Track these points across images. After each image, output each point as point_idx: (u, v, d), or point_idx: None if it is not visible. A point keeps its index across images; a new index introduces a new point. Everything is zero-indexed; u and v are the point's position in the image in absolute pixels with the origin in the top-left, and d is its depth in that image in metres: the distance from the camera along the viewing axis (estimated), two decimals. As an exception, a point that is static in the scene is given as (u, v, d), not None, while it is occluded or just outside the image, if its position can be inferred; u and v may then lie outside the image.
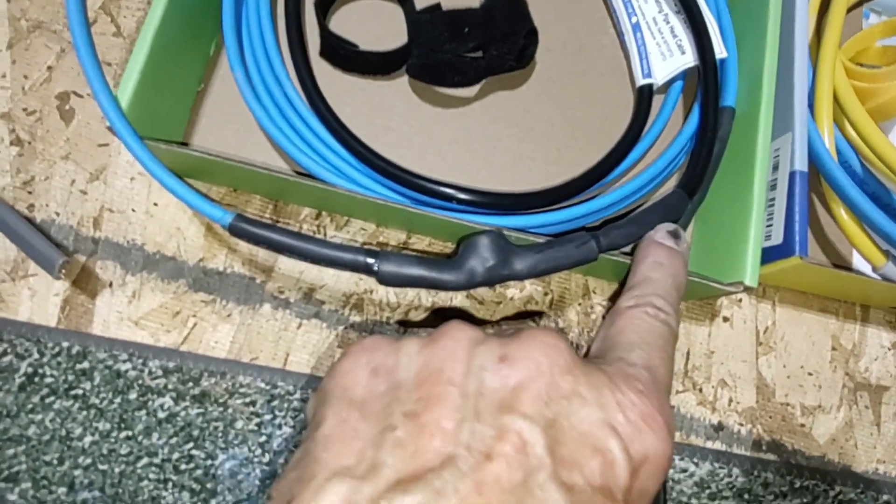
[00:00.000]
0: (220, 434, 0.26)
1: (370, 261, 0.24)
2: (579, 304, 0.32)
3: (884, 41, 0.36)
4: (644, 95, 0.33)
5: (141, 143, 0.24)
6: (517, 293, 0.31)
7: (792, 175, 0.29)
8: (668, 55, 0.33)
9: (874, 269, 0.31)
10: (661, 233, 0.26)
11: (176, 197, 0.25)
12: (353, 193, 0.27)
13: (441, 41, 0.30)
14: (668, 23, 0.33)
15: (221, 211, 0.24)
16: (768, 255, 0.30)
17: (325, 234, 0.30)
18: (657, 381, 0.20)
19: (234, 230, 0.24)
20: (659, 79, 0.32)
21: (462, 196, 0.28)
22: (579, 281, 0.32)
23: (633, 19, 0.33)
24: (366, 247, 0.25)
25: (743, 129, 0.30)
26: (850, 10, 0.38)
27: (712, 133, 0.30)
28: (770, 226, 0.30)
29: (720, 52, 0.32)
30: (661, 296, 0.24)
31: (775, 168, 0.31)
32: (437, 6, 0.32)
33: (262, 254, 0.30)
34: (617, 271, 0.31)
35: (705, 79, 0.31)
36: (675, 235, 0.26)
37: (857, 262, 0.33)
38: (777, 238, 0.30)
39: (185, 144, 0.30)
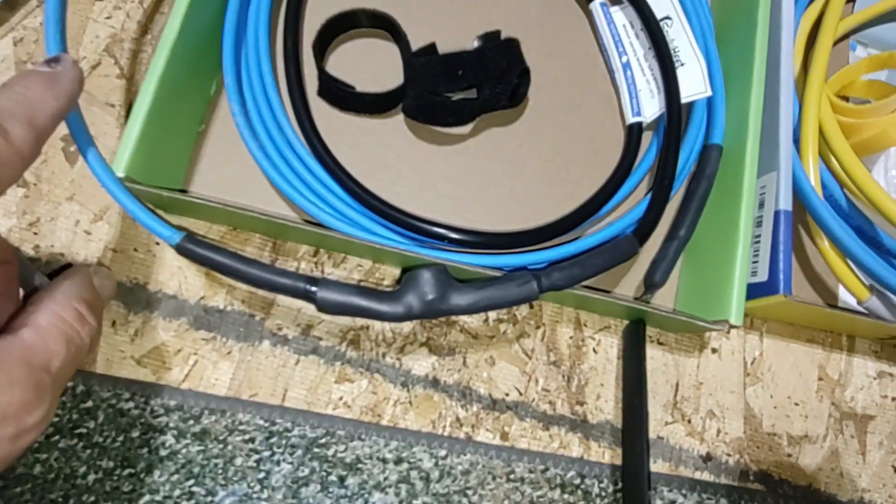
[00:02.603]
0: (219, 471, 0.27)
1: (310, 287, 0.25)
2: (570, 338, 0.32)
3: (869, 75, 0.37)
4: (634, 133, 0.33)
5: (98, 157, 0.25)
6: (510, 327, 0.32)
7: (777, 214, 0.30)
8: (656, 93, 0.33)
9: (859, 303, 0.32)
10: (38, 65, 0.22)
11: (128, 213, 0.25)
12: (348, 237, 0.27)
13: (436, 83, 0.31)
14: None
15: (170, 230, 0.25)
16: (754, 291, 0.31)
17: (322, 272, 0.31)
18: None
19: (181, 250, 0.25)
20: (648, 116, 0.33)
21: (454, 236, 0.29)
22: (571, 314, 0.33)
23: (623, 58, 0.34)
24: (308, 274, 0.26)
25: (730, 167, 0.31)
26: (837, 42, 0.39)
27: (670, 181, 0.30)
28: (756, 262, 0.31)
29: (705, 90, 0.32)
30: None
31: (761, 205, 0.32)
32: (433, 48, 0.32)
33: (260, 290, 0.30)
34: (606, 307, 0.31)
35: (668, 126, 0.31)
36: (51, 61, 0.22)
37: (843, 294, 0.34)
38: (763, 275, 0.30)
39: (184, 191, 0.30)
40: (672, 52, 0.33)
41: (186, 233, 0.25)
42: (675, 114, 0.31)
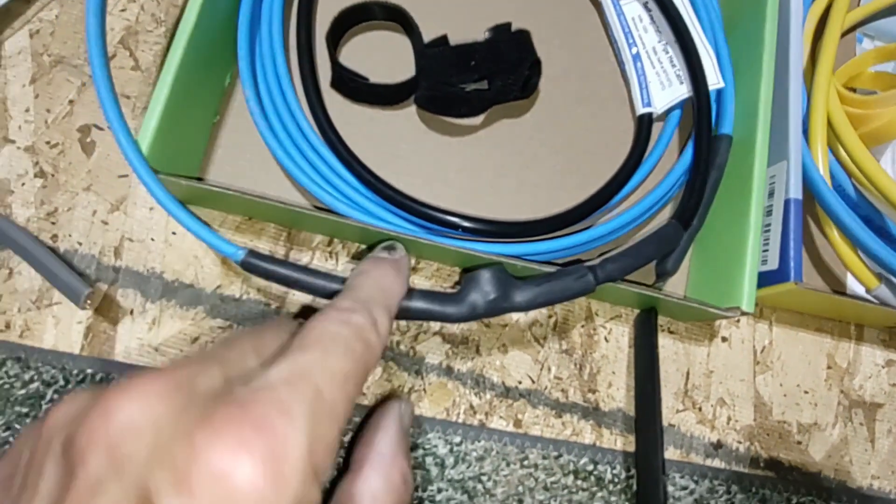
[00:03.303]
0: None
1: None
2: (582, 326, 0.33)
3: (876, 67, 0.38)
4: (644, 124, 0.34)
5: (161, 187, 0.25)
6: (522, 316, 0.32)
7: (787, 202, 0.31)
8: (667, 85, 0.34)
9: (867, 291, 0.32)
10: (375, 250, 0.27)
11: (192, 233, 0.26)
12: (362, 224, 0.28)
13: (448, 74, 0.32)
14: (667, 52, 0.34)
15: (234, 247, 0.26)
16: (765, 280, 0.31)
17: (336, 261, 0.31)
18: (302, 397, 0.15)
19: (246, 265, 0.25)
20: (658, 108, 0.34)
21: (466, 224, 0.29)
22: (582, 303, 0.33)
23: (634, 50, 0.34)
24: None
25: (740, 157, 0.31)
26: (843, 34, 0.39)
27: (706, 165, 0.31)
28: (766, 251, 0.31)
29: (717, 81, 0.33)
30: (354, 298, 0.21)
31: (771, 194, 0.32)
32: (445, 39, 0.33)
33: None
34: (618, 295, 0.32)
35: (698, 111, 0.32)
36: (389, 248, 0.27)
37: (852, 283, 0.34)
38: (773, 263, 0.31)
39: (200, 179, 0.31)
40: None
41: (248, 249, 0.26)
42: (704, 96, 0.31)
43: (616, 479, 0.30)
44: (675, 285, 0.33)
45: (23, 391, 0.27)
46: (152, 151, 0.26)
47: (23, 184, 0.30)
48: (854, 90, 0.38)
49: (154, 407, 0.14)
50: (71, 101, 0.31)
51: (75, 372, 0.28)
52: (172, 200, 0.26)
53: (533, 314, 0.32)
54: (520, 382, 0.31)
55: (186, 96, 0.28)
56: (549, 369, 0.32)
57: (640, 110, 0.34)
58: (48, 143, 0.31)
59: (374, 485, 0.20)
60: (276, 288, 0.30)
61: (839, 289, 0.34)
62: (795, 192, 0.31)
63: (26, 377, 0.27)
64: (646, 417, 0.30)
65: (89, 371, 0.28)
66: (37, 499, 0.14)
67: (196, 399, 0.15)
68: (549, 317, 0.32)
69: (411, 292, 0.26)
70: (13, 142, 0.30)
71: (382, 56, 0.34)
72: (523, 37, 0.33)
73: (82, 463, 0.14)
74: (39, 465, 0.15)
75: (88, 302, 0.27)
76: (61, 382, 0.27)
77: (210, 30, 0.29)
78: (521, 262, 0.28)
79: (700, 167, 0.30)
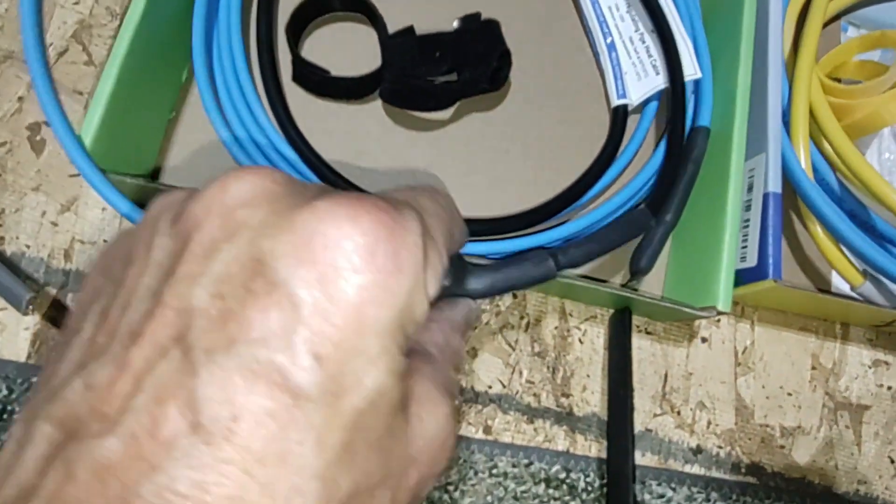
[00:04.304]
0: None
1: None
2: (555, 328, 0.31)
3: (861, 56, 0.36)
4: (619, 116, 0.32)
5: (104, 179, 0.24)
6: (493, 317, 0.31)
7: (766, 196, 0.29)
8: (643, 75, 0.32)
9: (853, 289, 0.31)
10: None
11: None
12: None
13: (413, 65, 0.30)
14: (643, 42, 0.33)
15: None
16: (743, 277, 0.30)
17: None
18: (411, 209, 0.15)
19: None
20: (634, 99, 0.32)
21: (433, 223, 0.28)
22: (556, 304, 0.32)
23: (609, 39, 0.33)
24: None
25: (717, 150, 0.30)
26: (828, 23, 0.38)
27: (679, 152, 0.29)
28: (745, 247, 0.30)
29: (694, 72, 0.32)
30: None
31: (750, 188, 0.31)
32: (410, 30, 0.31)
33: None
34: (592, 295, 0.30)
35: (674, 100, 0.31)
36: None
37: (837, 280, 0.33)
38: (752, 260, 0.29)
39: (153, 178, 0.29)
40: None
41: None
42: (680, 86, 0.30)
43: (590, 488, 0.29)
44: (652, 284, 0.32)
45: (-35, 401, 0.26)
46: (96, 147, 0.25)
47: (-32, 184, 0.29)
48: (839, 80, 0.37)
49: (270, 185, 0.14)
50: (20, 98, 0.30)
51: (20, 381, 0.26)
52: (120, 196, 0.24)
53: (504, 315, 0.31)
54: (490, 387, 0.30)
55: (136, 90, 0.27)
56: (521, 373, 0.31)
57: (615, 102, 0.33)
58: (-5, 141, 0.29)
59: (437, 338, 0.19)
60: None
61: (824, 286, 0.33)
62: (774, 186, 0.29)
63: (-32, 386, 0.26)
64: (618, 422, 0.29)
65: (35, 381, 0.27)
66: (148, 270, 0.14)
67: (312, 187, 0.15)
68: (521, 318, 0.31)
69: None
70: (-41, 140, 0.29)
71: (347, 49, 0.32)
72: (492, 27, 0.32)
73: (197, 229, 0.14)
74: (147, 241, 0.15)
75: (31, 307, 0.26)
76: (4, 392, 0.26)
77: (163, 21, 0.28)
78: (489, 261, 0.27)
79: (673, 154, 0.29)
